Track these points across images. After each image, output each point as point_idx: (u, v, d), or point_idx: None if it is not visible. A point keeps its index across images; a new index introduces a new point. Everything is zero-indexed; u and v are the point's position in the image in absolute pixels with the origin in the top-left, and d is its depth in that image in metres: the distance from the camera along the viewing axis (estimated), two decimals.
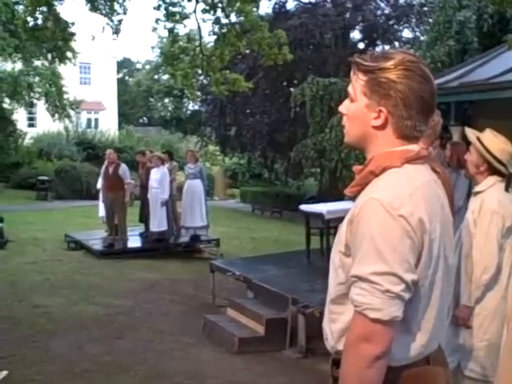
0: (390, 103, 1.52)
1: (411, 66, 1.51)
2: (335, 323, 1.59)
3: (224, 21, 10.58)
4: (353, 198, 1.59)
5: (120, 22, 11.03)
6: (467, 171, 3.49)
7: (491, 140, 3.22)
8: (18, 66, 20.45)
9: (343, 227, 1.54)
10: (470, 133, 3.35)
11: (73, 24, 11.21)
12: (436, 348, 1.60)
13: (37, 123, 30.47)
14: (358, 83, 1.57)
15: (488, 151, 3.19)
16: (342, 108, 1.65)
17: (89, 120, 33.81)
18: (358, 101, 1.57)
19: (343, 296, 1.54)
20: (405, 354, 1.51)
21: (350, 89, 1.61)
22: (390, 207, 1.42)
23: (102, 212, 11.26)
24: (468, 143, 3.51)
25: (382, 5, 20.81)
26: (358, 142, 1.63)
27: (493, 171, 3.23)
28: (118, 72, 42.76)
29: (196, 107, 36.10)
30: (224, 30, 10.53)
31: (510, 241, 3.23)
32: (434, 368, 1.58)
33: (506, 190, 3.24)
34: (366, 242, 1.43)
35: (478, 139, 3.25)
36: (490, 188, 3.24)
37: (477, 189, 3.32)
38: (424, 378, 1.55)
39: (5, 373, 4.56)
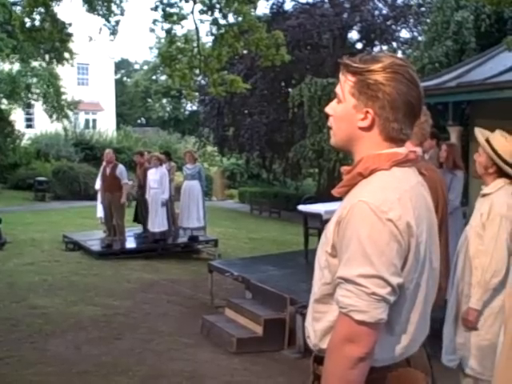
0: (378, 105, 1.52)
1: (400, 70, 1.52)
2: (319, 322, 1.60)
3: (222, 22, 10.60)
4: (341, 199, 1.60)
5: (117, 22, 11.05)
6: (475, 171, 3.44)
7: (501, 142, 3.16)
8: (16, 66, 20.42)
9: (330, 228, 1.55)
10: (479, 133, 3.27)
11: (70, 25, 11.21)
12: (417, 350, 1.61)
13: (34, 124, 30.44)
14: (346, 84, 1.58)
15: (497, 154, 3.14)
16: (328, 109, 1.65)
17: (87, 121, 33.80)
18: (346, 101, 1.58)
19: (328, 296, 1.55)
20: (387, 355, 1.52)
21: (337, 90, 1.62)
22: (378, 211, 1.43)
23: (100, 213, 11.26)
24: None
25: (380, 5, 20.88)
26: (345, 144, 1.64)
27: (501, 174, 3.19)
28: (116, 73, 42.80)
29: (194, 108, 36.14)
30: (222, 31, 10.53)
31: None
32: (415, 371, 1.60)
33: None
34: (353, 244, 1.44)
35: (488, 141, 3.18)
36: (498, 191, 3.19)
37: (485, 191, 3.27)
38: (405, 379, 1.57)
39: None
